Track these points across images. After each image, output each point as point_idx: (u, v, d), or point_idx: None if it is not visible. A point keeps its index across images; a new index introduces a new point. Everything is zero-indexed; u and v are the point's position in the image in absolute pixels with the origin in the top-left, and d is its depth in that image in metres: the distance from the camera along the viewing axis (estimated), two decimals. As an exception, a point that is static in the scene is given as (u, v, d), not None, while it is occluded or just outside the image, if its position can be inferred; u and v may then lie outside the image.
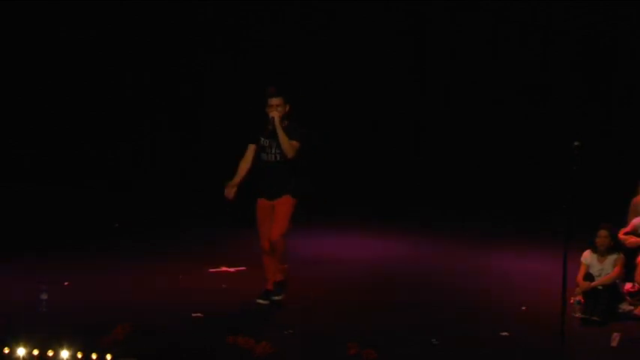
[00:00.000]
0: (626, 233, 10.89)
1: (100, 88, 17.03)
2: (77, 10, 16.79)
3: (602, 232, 10.42)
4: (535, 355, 9.01)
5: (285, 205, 10.09)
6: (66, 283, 10.85)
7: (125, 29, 16.96)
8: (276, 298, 10.18)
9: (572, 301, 10.10)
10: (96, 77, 17.00)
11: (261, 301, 10.20)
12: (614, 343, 9.33)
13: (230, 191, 10.06)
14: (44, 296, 9.73)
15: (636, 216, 11.10)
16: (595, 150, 14.96)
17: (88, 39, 16.85)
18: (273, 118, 9.96)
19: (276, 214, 10.08)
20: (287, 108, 10.10)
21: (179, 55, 17.09)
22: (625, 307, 10.28)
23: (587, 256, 10.42)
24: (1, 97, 16.86)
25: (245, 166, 10.16)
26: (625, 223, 11.12)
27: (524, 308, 10.47)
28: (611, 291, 10.19)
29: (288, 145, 9.96)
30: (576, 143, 8.70)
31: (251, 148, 10.18)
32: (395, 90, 16.77)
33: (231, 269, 11.66)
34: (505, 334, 9.51)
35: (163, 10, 17.00)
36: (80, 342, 8.32)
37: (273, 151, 10.06)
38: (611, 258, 10.35)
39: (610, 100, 16.16)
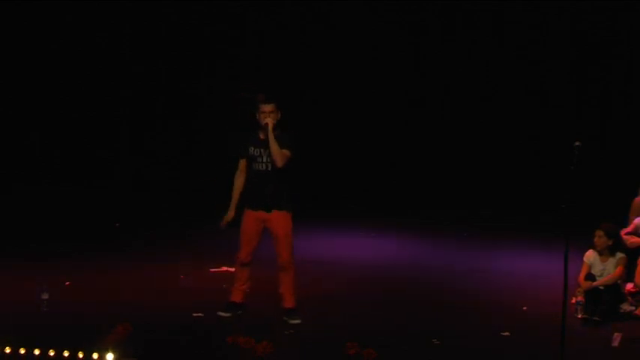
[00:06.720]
0: (628, 233, 10.88)
1: (100, 88, 17.03)
2: (83, 13, 16.83)
3: (598, 232, 10.39)
4: (535, 355, 9.00)
5: (284, 221, 9.72)
6: (67, 283, 10.85)
7: (127, 30, 16.97)
8: (295, 321, 9.74)
9: (573, 301, 10.10)
10: (95, 77, 17.00)
11: (222, 313, 9.82)
12: (615, 344, 9.32)
13: (225, 224, 9.81)
14: (44, 296, 9.73)
15: (637, 216, 11.10)
16: (595, 150, 14.98)
17: (93, 41, 16.86)
18: (266, 124, 9.54)
19: (278, 233, 9.72)
20: (279, 115, 9.68)
21: (179, 55, 17.09)
22: (626, 307, 10.27)
23: (590, 255, 10.39)
24: (1, 97, 16.86)
25: (242, 179, 9.81)
26: (626, 223, 11.11)
27: (524, 308, 10.47)
28: (613, 291, 10.18)
29: (279, 153, 9.53)
30: (577, 143, 8.68)
31: (243, 162, 9.81)
32: (395, 90, 16.76)
33: (232, 269, 11.61)
34: (505, 334, 9.51)
35: (163, 11, 17.01)
36: (80, 342, 8.32)
37: (265, 160, 9.67)
38: (614, 258, 10.33)
39: (610, 100, 16.15)
